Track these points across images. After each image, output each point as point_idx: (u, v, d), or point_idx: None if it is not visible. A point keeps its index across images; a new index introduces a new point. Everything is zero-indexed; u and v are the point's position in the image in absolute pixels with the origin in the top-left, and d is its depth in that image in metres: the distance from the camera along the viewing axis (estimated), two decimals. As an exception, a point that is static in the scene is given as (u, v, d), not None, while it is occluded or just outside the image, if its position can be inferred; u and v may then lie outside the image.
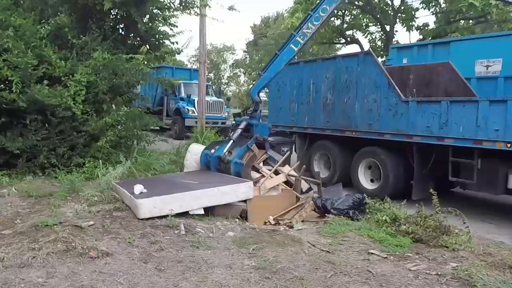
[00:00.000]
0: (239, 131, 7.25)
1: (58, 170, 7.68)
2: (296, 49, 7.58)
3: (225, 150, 6.98)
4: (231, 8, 11.00)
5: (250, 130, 7.27)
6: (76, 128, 8.02)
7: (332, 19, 19.70)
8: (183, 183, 6.19)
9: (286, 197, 6.28)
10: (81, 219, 5.08)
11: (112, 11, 9.07)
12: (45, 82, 7.76)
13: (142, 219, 5.16)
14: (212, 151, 7.26)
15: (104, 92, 8.22)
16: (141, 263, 4.03)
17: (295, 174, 6.66)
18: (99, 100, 8.30)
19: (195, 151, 7.80)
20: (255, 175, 6.71)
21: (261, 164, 7.10)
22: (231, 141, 7.11)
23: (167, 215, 5.14)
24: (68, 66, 8.06)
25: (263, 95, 14.02)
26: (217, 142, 7.64)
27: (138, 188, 5.73)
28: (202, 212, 5.55)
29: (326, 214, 5.95)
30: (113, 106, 8.67)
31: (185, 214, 5.44)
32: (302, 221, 5.82)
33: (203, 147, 7.91)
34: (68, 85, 7.87)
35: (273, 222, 5.77)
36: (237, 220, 5.69)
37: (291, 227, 5.60)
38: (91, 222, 4.96)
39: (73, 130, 7.98)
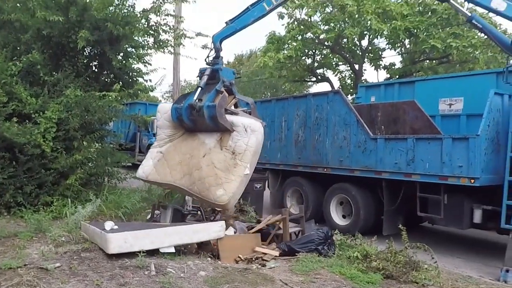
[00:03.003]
0: (205, 77, 7.08)
1: (25, 209, 7.44)
2: (267, 8, 7.55)
3: (195, 98, 6.83)
4: (204, 47, 11.21)
5: (216, 77, 7.13)
6: (45, 165, 7.84)
7: (303, 58, 20.35)
8: (156, 224, 6.14)
9: (255, 237, 6.27)
10: (47, 260, 4.91)
11: (86, 49, 9.13)
12: (15, 119, 7.64)
13: (111, 260, 5.04)
14: (182, 104, 7.03)
15: (75, 129, 8.13)
16: (109, 306, 3.91)
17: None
18: (70, 137, 8.18)
19: (164, 110, 7.41)
20: (229, 117, 6.62)
21: (232, 107, 7.05)
22: (199, 88, 6.96)
23: (137, 254, 5.04)
24: (39, 103, 7.98)
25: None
26: (185, 95, 7.36)
27: (109, 224, 5.73)
28: (173, 250, 5.47)
29: (296, 254, 5.94)
30: (84, 143, 8.57)
31: (156, 253, 5.35)
32: (274, 258, 5.80)
33: (171, 104, 7.55)
34: (39, 122, 7.76)
35: (244, 260, 5.73)
36: (209, 259, 5.64)
37: (264, 265, 5.57)
38: (58, 264, 4.80)
39: (41, 167, 7.79)
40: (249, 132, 6.40)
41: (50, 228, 6.23)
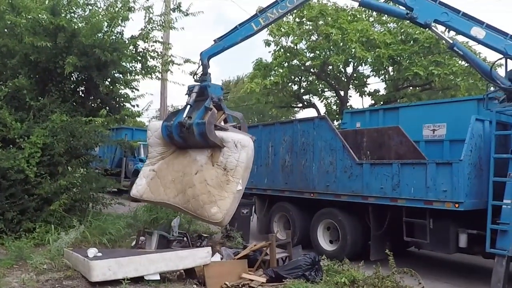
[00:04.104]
0: (194, 95, 7.11)
1: (6, 235, 7.25)
2: (255, 28, 7.63)
3: (184, 115, 6.85)
4: (192, 73, 11.29)
5: (204, 93, 7.16)
6: (28, 191, 7.71)
7: (290, 84, 20.63)
8: (141, 251, 6.05)
9: (241, 263, 6.20)
10: (27, 289, 4.79)
11: (73, 74, 9.14)
12: (-2, 144, 7.56)
13: (94, 287, 4.93)
14: (172, 122, 7.06)
15: (60, 154, 8.05)
16: (91, 336, 3.81)
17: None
18: (54, 162, 8.09)
19: (155, 128, 7.44)
20: (219, 133, 6.64)
21: (222, 123, 7.06)
22: (188, 105, 7.00)
23: (121, 282, 4.94)
24: (24, 128, 7.91)
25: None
26: (174, 113, 7.40)
27: (92, 251, 5.65)
28: (158, 278, 5.38)
29: (283, 280, 5.88)
30: (69, 168, 8.47)
31: (140, 281, 5.25)
32: (261, 285, 5.73)
33: (161, 122, 7.56)
34: (23, 147, 7.68)
35: (231, 287, 5.65)
36: (195, 286, 5.55)
37: (251, 292, 5.51)
38: (39, 292, 4.68)
39: (24, 193, 7.65)
40: (239, 147, 6.47)
41: (32, 256, 6.09)
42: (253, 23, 7.64)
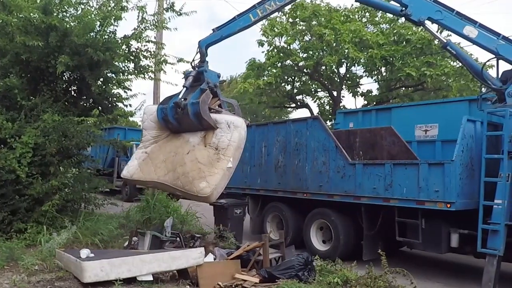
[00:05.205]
0: (190, 78, 7.34)
1: (-4, 237, 7.20)
2: (253, 19, 7.80)
3: (180, 97, 7.03)
4: (185, 73, 11.26)
5: (201, 79, 7.37)
6: (20, 191, 7.64)
7: (283, 84, 20.66)
8: (133, 251, 6.02)
9: (235, 263, 6.20)
10: (19, 290, 4.75)
11: (65, 73, 9.07)
12: (-11, 144, 7.49)
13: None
14: (167, 104, 7.23)
15: (52, 154, 7.99)
16: (83, 338, 3.78)
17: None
18: (46, 163, 8.03)
19: (150, 111, 7.63)
20: (213, 115, 6.74)
21: (217, 107, 7.20)
22: (184, 88, 7.19)
23: (114, 283, 4.91)
24: (15, 128, 7.84)
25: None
26: (170, 97, 7.56)
27: (85, 252, 5.64)
28: (151, 278, 5.36)
29: (276, 280, 5.88)
30: (61, 168, 8.40)
31: (133, 282, 5.22)
32: (254, 285, 5.73)
33: (156, 106, 7.77)
34: (14, 147, 7.61)
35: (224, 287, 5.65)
36: (188, 286, 5.54)
37: (244, 292, 5.50)
38: (30, 294, 4.64)
39: (16, 193, 7.59)
40: (232, 128, 6.60)
41: (23, 256, 6.04)
42: (251, 14, 7.80)
